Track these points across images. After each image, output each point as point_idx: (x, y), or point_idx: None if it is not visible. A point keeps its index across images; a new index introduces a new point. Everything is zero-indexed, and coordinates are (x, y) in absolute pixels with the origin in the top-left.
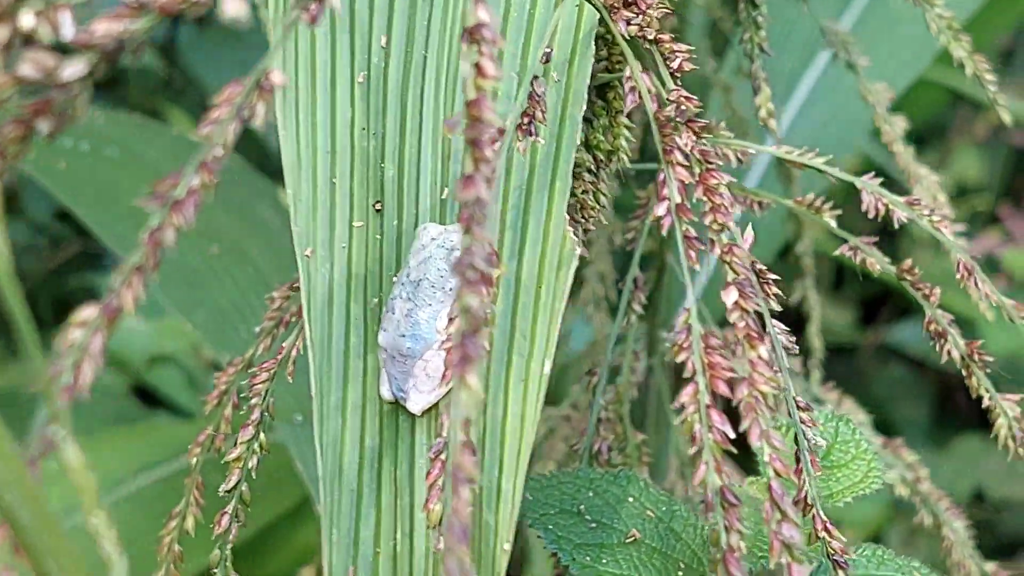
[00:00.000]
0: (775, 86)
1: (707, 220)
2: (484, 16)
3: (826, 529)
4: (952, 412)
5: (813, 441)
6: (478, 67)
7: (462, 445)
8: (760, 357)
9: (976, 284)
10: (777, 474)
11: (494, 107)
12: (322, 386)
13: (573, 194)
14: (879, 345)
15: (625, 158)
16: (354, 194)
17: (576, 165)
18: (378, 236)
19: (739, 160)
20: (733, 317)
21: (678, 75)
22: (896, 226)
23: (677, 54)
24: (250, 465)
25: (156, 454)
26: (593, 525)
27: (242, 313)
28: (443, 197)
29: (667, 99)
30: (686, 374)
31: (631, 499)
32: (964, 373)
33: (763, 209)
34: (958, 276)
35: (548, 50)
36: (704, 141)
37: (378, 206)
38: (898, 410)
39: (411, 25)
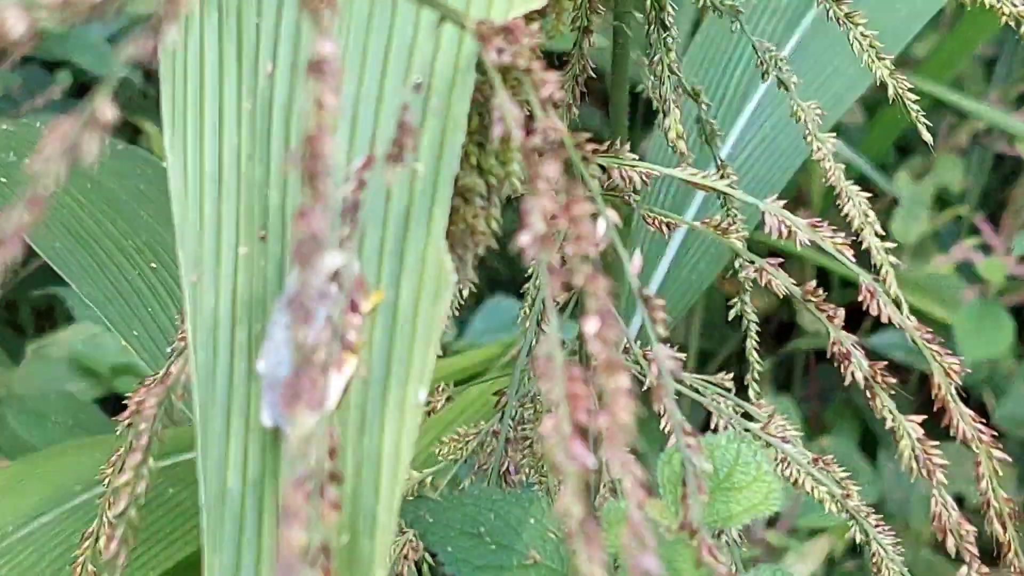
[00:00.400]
0: (727, 93)
1: (569, 249)
2: (327, 49)
3: (711, 553)
4: (940, 417)
5: (699, 466)
6: (318, 102)
7: (298, 481)
8: (619, 387)
9: (879, 306)
10: (639, 504)
11: (334, 141)
12: (206, 412)
13: (464, 220)
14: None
15: (517, 183)
16: (240, 221)
17: (468, 190)
18: (263, 262)
19: (643, 182)
20: (594, 347)
21: (548, 103)
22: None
23: (547, 83)
24: (138, 490)
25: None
26: (493, 547)
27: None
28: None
29: (533, 128)
30: (548, 405)
31: (532, 520)
32: (868, 395)
33: (671, 230)
34: (860, 298)
35: (419, 80)
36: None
37: (262, 232)
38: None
39: (296, 52)
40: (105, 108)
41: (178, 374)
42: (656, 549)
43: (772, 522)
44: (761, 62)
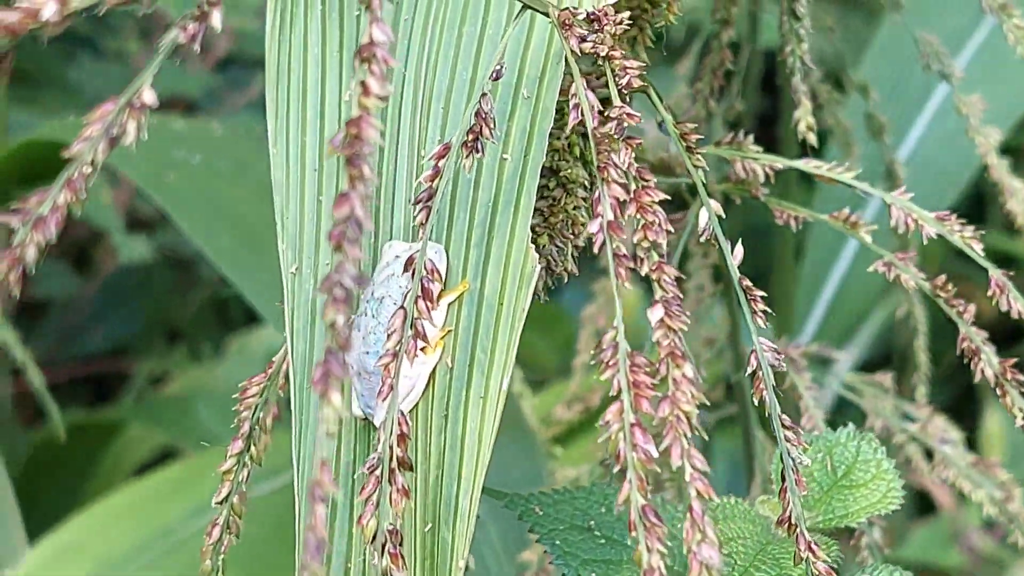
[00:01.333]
0: (908, 89)
1: (637, 238)
2: (379, 35)
3: (810, 549)
4: None
5: (798, 460)
6: (364, 85)
7: (321, 463)
8: (684, 376)
9: (1008, 301)
10: (699, 494)
11: (377, 124)
12: (301, 402)
13: (564, 210)
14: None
15: None
16: (322, 211)
17: (571, 181)
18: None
19: (767, 174)
20: (657, 335)
21: (626, 91)
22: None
23: (628, 71)
24: (240, 477)
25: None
26: (602, 541)
27: None
28: (412, 214)
29: (608, 115)
30: (612, 392)
31: None
32: (998, 393)
33: (798, 223)
34: (990, 292)
35: (498, 67)
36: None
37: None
38: None
39: (393, 44)
40: (145, 92)
41: (279, 364)
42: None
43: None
44: (923, 55)
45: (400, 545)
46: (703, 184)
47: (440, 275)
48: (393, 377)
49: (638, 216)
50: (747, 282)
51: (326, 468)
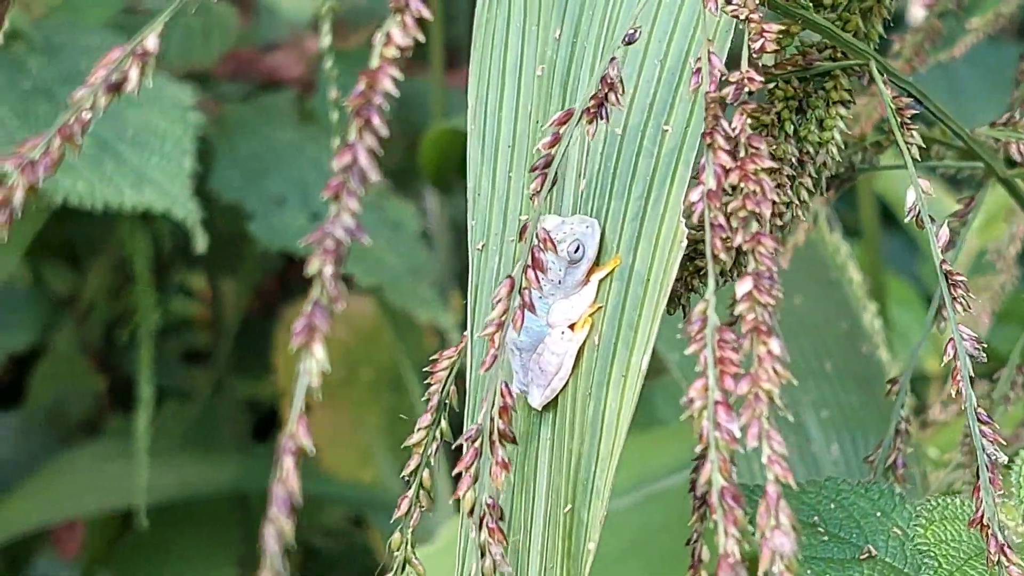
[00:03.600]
0: None
1: (733, 206)
2: None
3: (1002, 551)
4: None
5: (994, 456)
6: (387, 35)
7: (298, 415)
8: (769, 352)
9: None
10: (776, 479)
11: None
12: (476, 378)
13: None
14: None
15: (835, 151)
16: (524, 189)
17: (777, 158)
18: None
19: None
20: (742, 308)
21: (758, 55)
22: None
23: (765, 35)
24: (429, 451)
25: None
26: (825, 538)
27: None
28: (581, 189)
29: (728, 79)
30: (698, 367)
31: (879, 514)
32: None
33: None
34: None
35: (631, 31)
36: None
37: (535, 199)
38: None
39: (580, 18)
40: (152, 40)
41: (466, 340)
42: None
43: None
44: None
45: (500, 519)
46: (912, 162)
47: (584, 249)
48: (497, 348)
49: (741, 185)
50: (948, 265)
51: (302, 421)
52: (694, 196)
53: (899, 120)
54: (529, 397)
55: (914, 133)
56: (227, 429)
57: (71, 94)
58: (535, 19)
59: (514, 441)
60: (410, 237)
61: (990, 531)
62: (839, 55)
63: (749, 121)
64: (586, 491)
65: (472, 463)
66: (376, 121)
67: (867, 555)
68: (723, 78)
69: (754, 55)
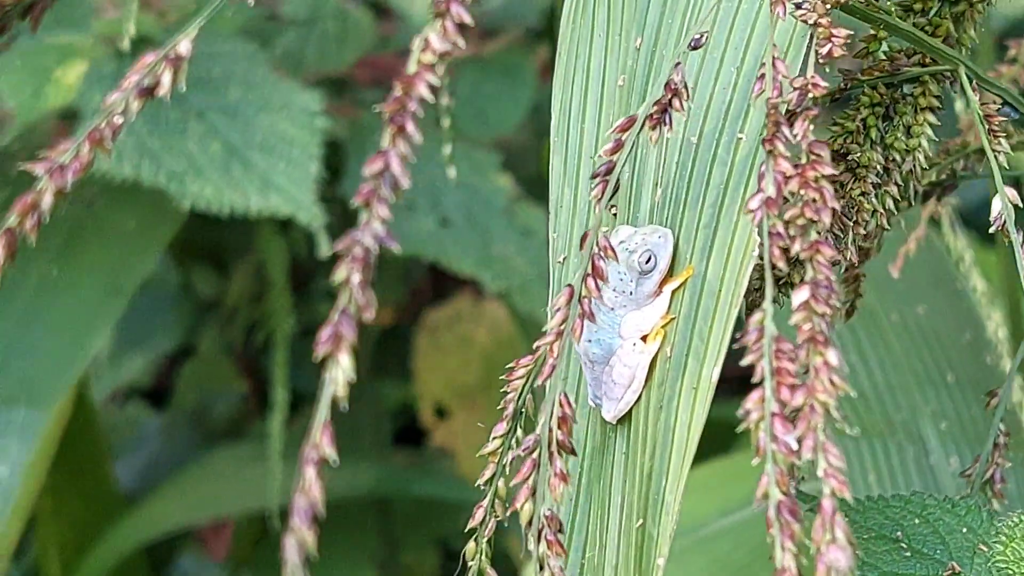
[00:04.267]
0: None
1: (790, 214)
2: None
3: None
4: None
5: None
6: (425, 40)
7: (322, 424)
8: (826, 363)
9: None
10: (832, 493)
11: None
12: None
13: (848, 195)
14: None
15: (921, 158)
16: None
17: (862, 165)
18: None
19: None
20: (797, 318)
21: (825, 60)
22: None
23: (831, 40)
24: (505, 460)
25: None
26: (908, 554)
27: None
28: (656, 198)
29: (792, 84)
30: (755, 379)
31: (965, 530)
32: None
33: None
34: None
35: (697, 36)
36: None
37: (614, 210)
38: None
39: (659, 26)
40: (184, 45)
41: (543, 351)
42: None
43: None
44: None
45: (560, 532)
46: (999, 170)
47: (656, 259)
48: (556, 357)
49: (801, 192)
50: None
51: (326, 429)
52: (753, 204)
53: (987, 127)
54: (603, 411)
55: (1002, 141)
56: (368, 434)
57: (106, 100)
58: (618, 29)
59: (572, 452)
60: (540, 243)
61: None
62: (928, 61)
63: (836, 128)
64: (656, 506)
65: (530, 475)
66: (410, 128)
67: (951, 572)
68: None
69: (821, 60)
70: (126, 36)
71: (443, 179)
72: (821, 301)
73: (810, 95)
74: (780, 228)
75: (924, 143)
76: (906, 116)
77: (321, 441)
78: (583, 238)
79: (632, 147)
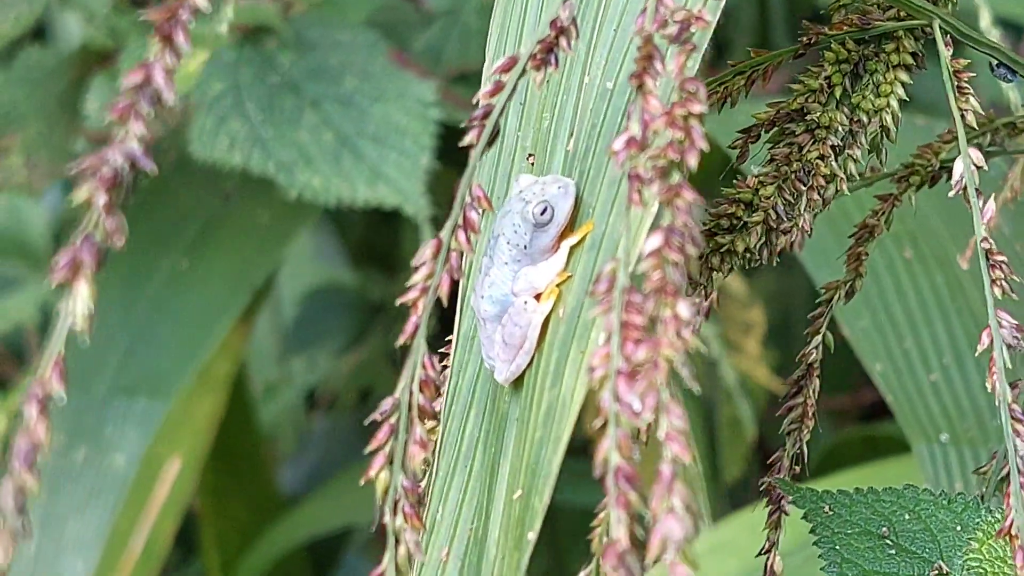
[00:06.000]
0: None
1: (650, 154)
2: None
3: None
4: None
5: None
6: None
7: (54, 360)
8: (675, 316)
9: None
10: (674, 457)
11: None
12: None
13: (804, 158)
14: None
15: (888, 119)
16: (517, 149)
17: (822, 126)
18: None
19: None
20: (646, 265)
21: None
22: None
23: None
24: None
25: None
26: (893, 551)
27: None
28: (568, 148)
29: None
30: (602, 335)
31: (958, 527)
32: None
33: None
34: None
35: None
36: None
37: (531, 160)
38: None
39: None
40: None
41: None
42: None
43: None
44: None
45: (420, 504)
46: (963, 131)
47: (554, 212)
48: (420, 315)
49: (666, 131)
50: (989, 243)
51: (56, 366)
52: (617, 144)
53: (955, 83)
54: (495, 373)
55: (970, 99)
56: None
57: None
58: None
59: (435, 418)
60: None
61: (1019, 543)
62: (904, 15)
63: (797, 86)
64: (536, 476)
65: (386, 441)
66: (180, 39)
67: (937, 572)
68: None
69: None
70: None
71: None
72: (674, 249)
73: (692, 28)
74: (641, 171)
75: (894, 103)
76: (876, 75)
77: (50, 377)
78: (455, 187)
79: (513, 90)
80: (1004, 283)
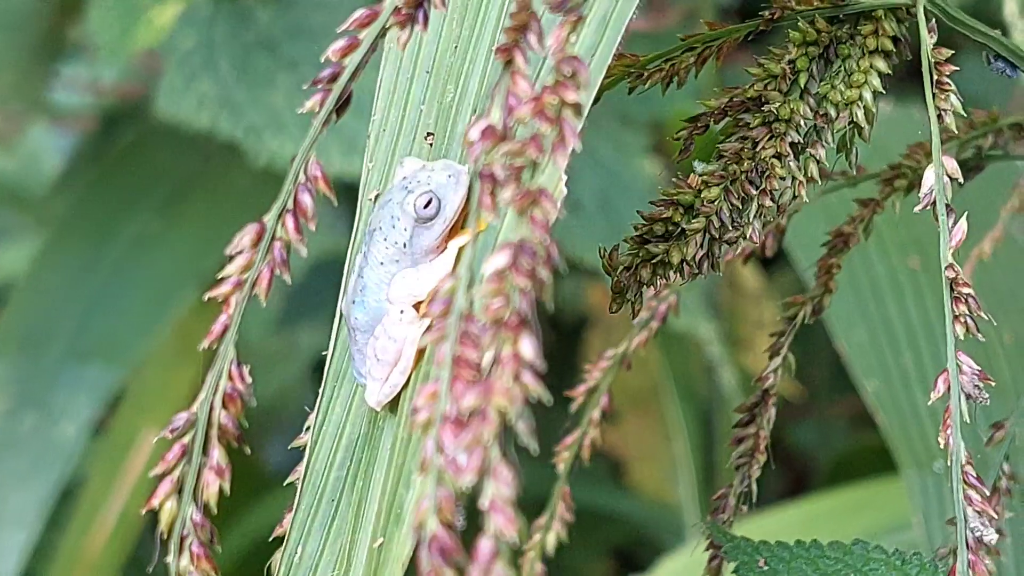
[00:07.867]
0: None
1: (507, 150)
2: None
3: None
4: None
5: (978, 532)
6: None
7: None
8: (515, 355)
9: None
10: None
11: None
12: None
13: (756, 156)
14: None
15: (860, 114)
16: (420, 123)
17: (779, 119)
18: None
19: None
20: (486, 289)
21: None
22: None
23: None
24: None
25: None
26: None
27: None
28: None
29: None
30: (432, 366)
31: None
32: None
33: None
34: None
35: None
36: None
37: (429, 140)
38: None
39: None
40: None
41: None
42: None
43: None
44: None
45: (212, 542)
46: (938, 134)
47: (441, 205)
48: (232, 313)
49: (532, 121)
50: (955, 272)
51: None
52: (473, 134)
53: (934, 77)
54: (366, 394)
55: (951, 97)
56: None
57: None
58: None
59: (239, 440)
60: None
61: None
62: None
63: (756, 71)
64: (399, 521)
65: (175, 464)
66: None
67: None
68: None
69: None
70: None
71: (608, 180)
72: (522, 272)
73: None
74: (497, 169)
75: (868, 96)
76: (849, 60)
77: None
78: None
79: (370, 50)
80: (969, 320)
